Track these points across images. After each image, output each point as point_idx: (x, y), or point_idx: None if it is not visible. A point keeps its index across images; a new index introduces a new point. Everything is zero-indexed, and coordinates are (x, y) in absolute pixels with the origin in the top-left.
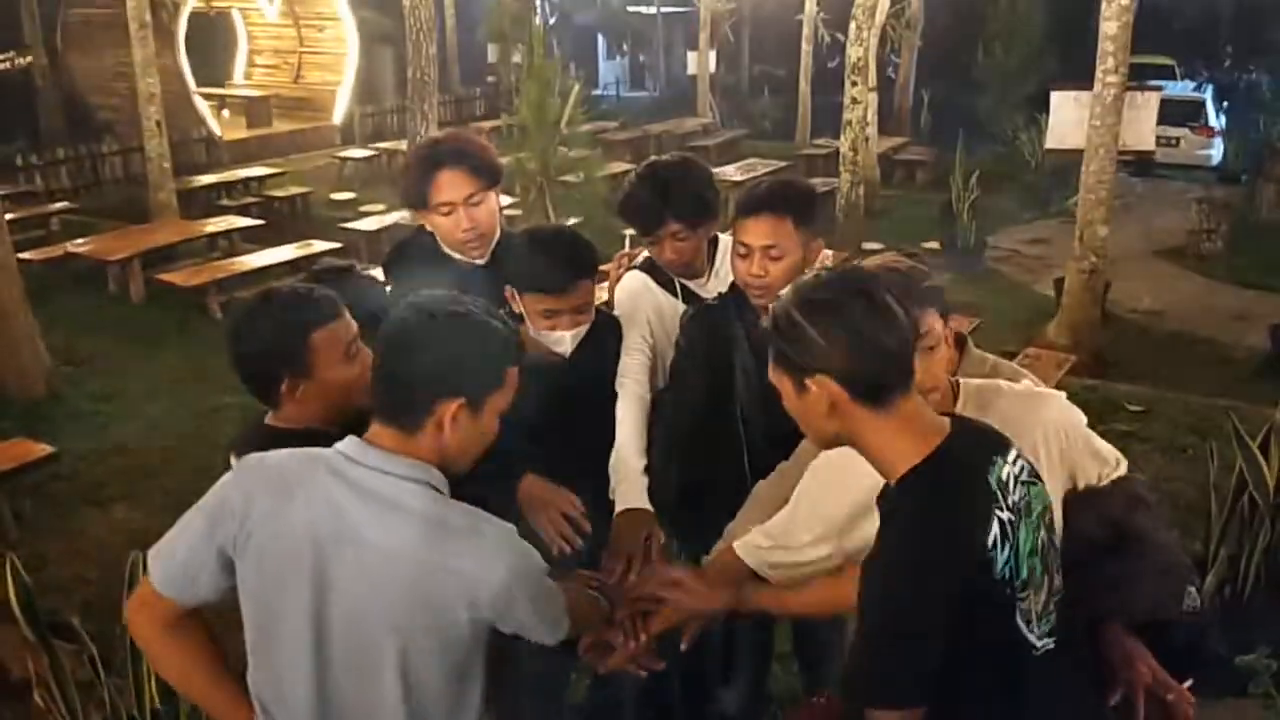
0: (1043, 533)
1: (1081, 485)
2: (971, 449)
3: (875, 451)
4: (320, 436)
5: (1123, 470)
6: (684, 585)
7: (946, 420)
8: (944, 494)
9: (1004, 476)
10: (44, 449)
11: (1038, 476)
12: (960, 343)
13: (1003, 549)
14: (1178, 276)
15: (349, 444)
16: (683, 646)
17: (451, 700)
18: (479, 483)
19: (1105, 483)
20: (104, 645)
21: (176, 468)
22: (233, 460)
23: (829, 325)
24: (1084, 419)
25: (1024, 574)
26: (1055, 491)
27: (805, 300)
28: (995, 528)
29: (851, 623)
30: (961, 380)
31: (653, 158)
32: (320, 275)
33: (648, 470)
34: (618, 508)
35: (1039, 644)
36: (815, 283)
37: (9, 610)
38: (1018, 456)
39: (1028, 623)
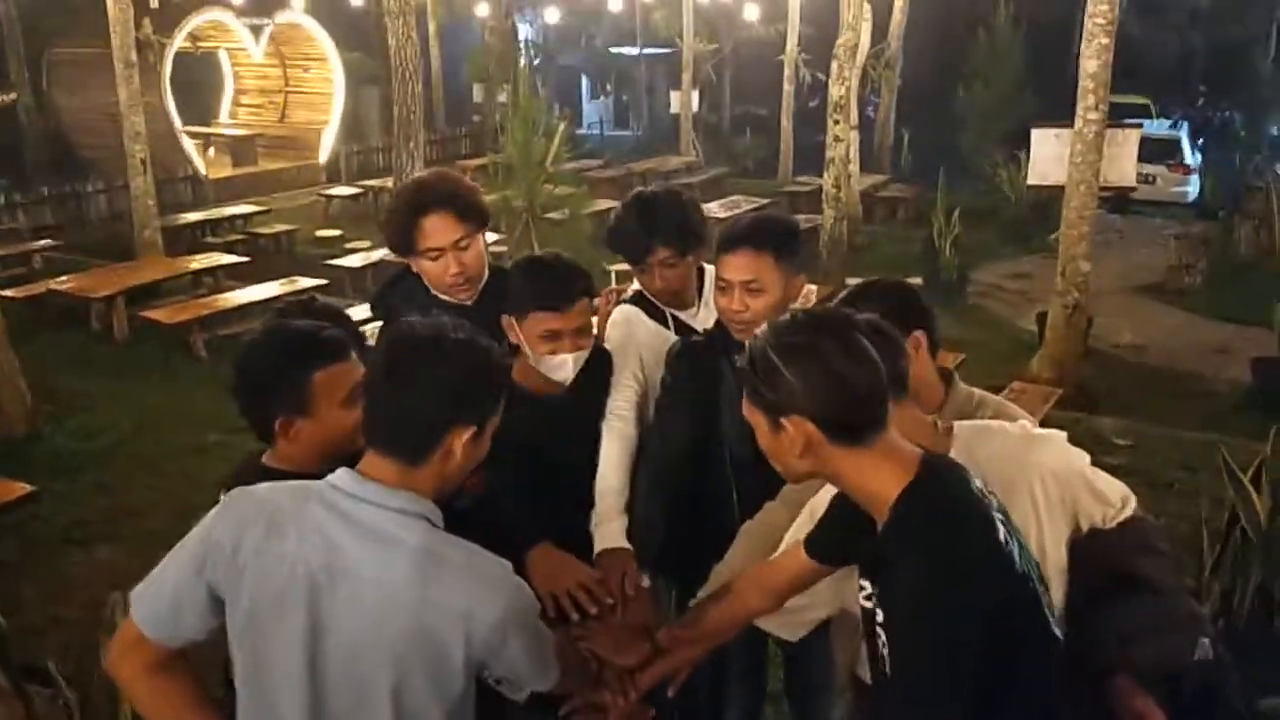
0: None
1: (1085, 528)
2: (948, 464)
3: (856, 487)
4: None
5: (1129, 511)
6: (675, 644)
7: (918, 449)
8: (949, 501)
9: (980, 486)
10: (23, 488)
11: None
12: (947, 378)
13: (1013, 543)
14: (1158, 311)
15: (342, 476)
16: (670, 693)
17: None
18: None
19: (1112, 525)
20: (82, 688)
21: (160, 508)
22: (222, 497)
23: (805, 368)
24: (1085, 458)
25: (1034, 569)
26: (1057, 536)
27: (781, 342)
28: (1001, 526)
29: (839, 653)
30: (955, 424)
31: (639, 188)
32: (317, 313)
33: (630, 508)
34: (597, 547)
35: (1060, 639)
36: (791, 324)
37: None
38: (973, 475)
39: (1053, 618)
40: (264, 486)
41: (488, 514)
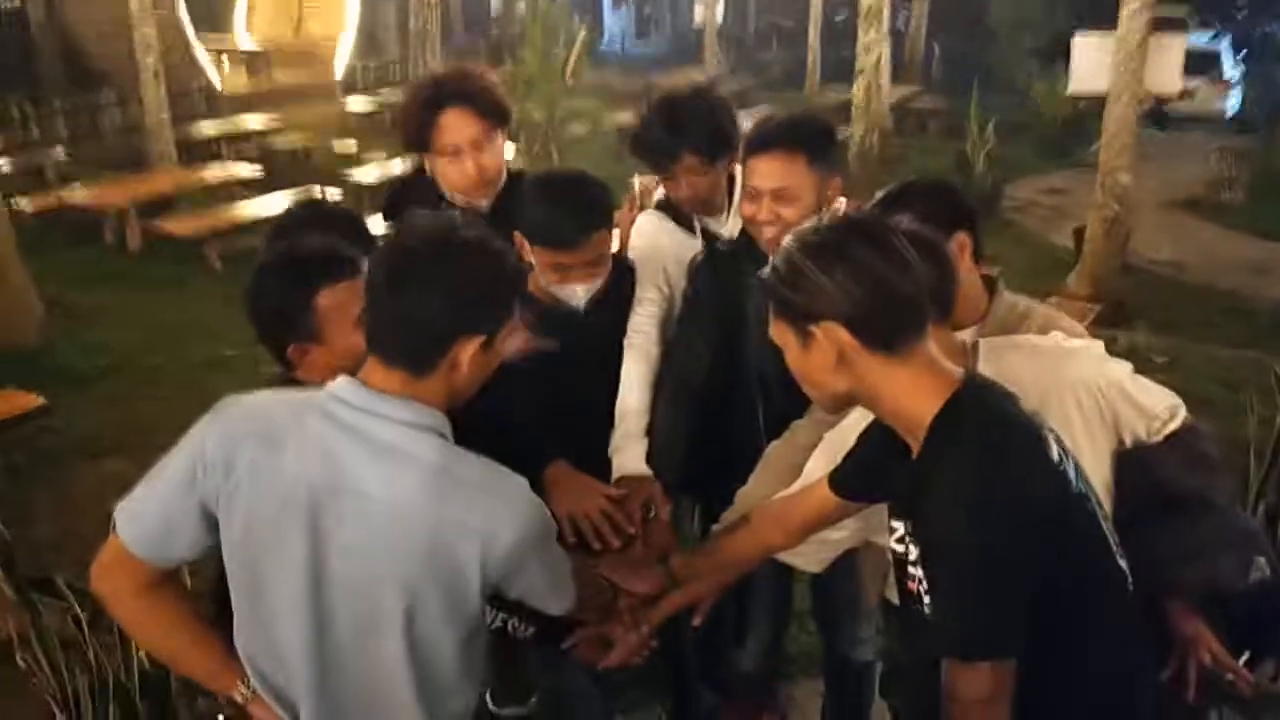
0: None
1: (1129, 442)
2: (993, 384)
3: (892, 405)
4: None
5: (1178, 423)
6: (690, 573)
7: (960, 367)
8: (995, 417)
9: (1026, 406)
10: (36, 401)
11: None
12: (990, 285)
13: (1069, 462)
14: (1197, 227)
15: (345, 386)
16: (696, 623)
17: (458, 666)
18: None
19: (1159, 437)
20: (93, 601)
21: (172, 422)
22: None
23: (835, 267)
24: (1125, 368)
25: (1091, 495)
26: (1100, 453)
27: (808, 244)
28: (1054, 443)
29: (871, 577)
30: (981, 340)
31: (665, 91)
32: (322, 214)
33: (651, 429)
34: (616, 472)
35: (1124, 567)
36: (819, 226)
37: None
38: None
39: (1114, 542)
40: (258, 395)
41: (503, 427)
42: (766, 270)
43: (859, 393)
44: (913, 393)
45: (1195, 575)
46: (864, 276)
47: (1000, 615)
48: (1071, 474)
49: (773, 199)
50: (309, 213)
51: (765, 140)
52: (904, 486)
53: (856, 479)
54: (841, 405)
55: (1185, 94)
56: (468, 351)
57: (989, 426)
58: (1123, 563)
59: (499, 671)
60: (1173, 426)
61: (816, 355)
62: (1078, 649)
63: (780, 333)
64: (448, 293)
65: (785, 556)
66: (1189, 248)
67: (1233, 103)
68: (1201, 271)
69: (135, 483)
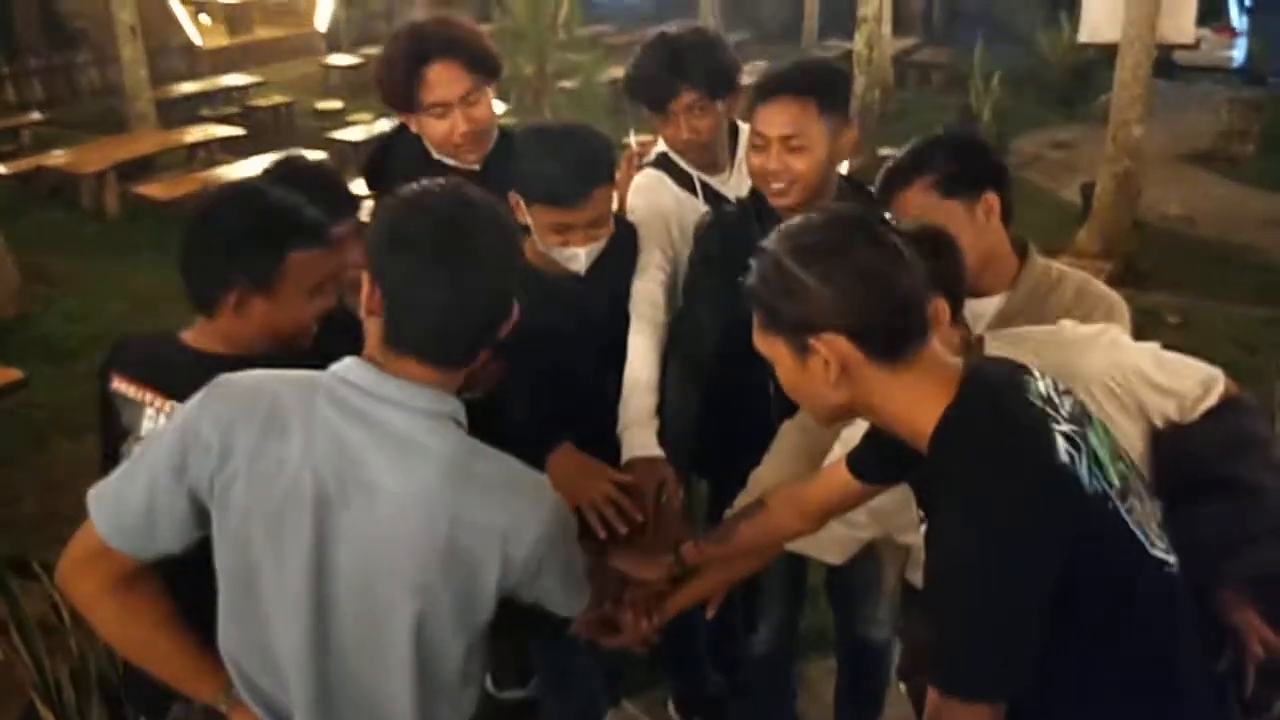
0: (1115, 438)
1: (1161, 424)
2: (999, 374)
3: (892, 416)
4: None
5: (1214, 398)
6: (707, 568)
7: (959, 359)
8: (994, 424)
9: (1043, 391)
10: (13, 374)
11: (1070, 390)
12: (1021, 249)
13: (1081, 461)
14: (1208, 181)
15: (356, 369)
16: (709, 615)
17: (460, 679)
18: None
19: (1194, 416)
20: None
21: None
22: (120, 386)
23: (834, 271)
24: (1143, 351)
25: (1117, 482)
26: (1129, 440)
27: (798, 246)
28: (1061, 442)
29: (886, 555)
30: (986, 335)
31: (661, 28)
32: (298, 169)
33: (661, 405)
34: (625, 454)
35: (1170, 559)
36: (805, 225)
37: None
38: (1043, 374)
39: (1146, 536)
40: (254, 374)
41: (501, 407)
42: (750, 277)
43: (858, 405)
44: (913, 403)
45: (1241, 564)
46: (866, 280)
47: (1005, 654)
48: (1084, 473)
49: (782, 147)
50: (288, 172)
51: (775, 85)
52: (917, 483)
53: (875, 461)
54: (838, 418)
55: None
56: (499, 335)
57: (988, 442)
58: (1160, 552)
59: (499, 653)
60: (1208, 403)
61: (815, 369)
62: (1108, 639)
63: (770, 346)
64: (489, 279)
65: (805, 548)
66: (1200, 202)
67: (1239, 52)
68: (1213, 227)
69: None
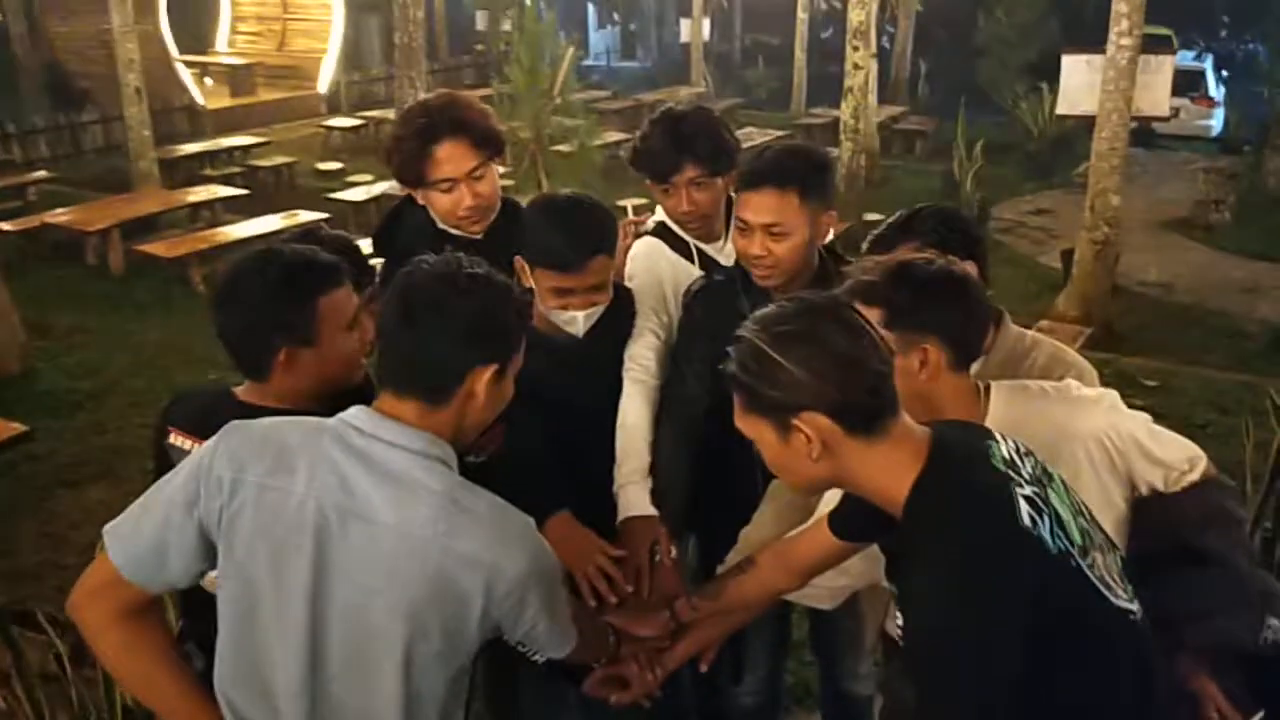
0: (1076, 495)
1: (1146, 492)
2: (962, 442)
3: (868, 486)
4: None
5: (1198, 474)
6: (700, 622)
7: (927, 429)
8: (959, 492)
9: (1006, 455)
10: (17, 428)
11: (1031, 451)
12: (996, 317)
13: (1043, 522)
14: (1185, 248)
15: (359, 415)
16: (702, 668)
17: (444, 709)
18: None
19: (1176, 488)
20: (77, 635)
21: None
22: (176, 440)
23: (811, 356)
24: (1139, 420)
25: (1078, 539)
26: (1113, 502)
27: (776, 335)
28: (1024, 505)
29: (870, 612)
30: (993, 385)
31: (666, 105)
32: (321, 240)
33: (654, 466)
34: (621, 514)
35: (1134, 608)
36: (779, 313)
37: None
38: (1004, 436)
39: (1109, 588)
40: (268, 420)
41: (501, 473)
42: (731, 364)
43: (837, 477)
44: (887, 472)
45: (1202, 633)
46: (841, 363)
47: (984, 714)
48: (1046, 533)
49: (765, 234)
50: (311, 235)
51: (759, 176)
52: (890, 549)
53: (854, 521)
54: (818, 489)
55: (1170, 113)
56: (483, 380)
57: (954, 509)
58: (1123, 602)
59: (491, 701)
60: (1192, 478)
61: (798, 445)
62: (1078, 690)
63: (752, 426)
64: (460, 325)
65: (794, 597)
66: (1177, 269)
67: (1217, 122)
68: (1191, 292)
69: (118, 511)
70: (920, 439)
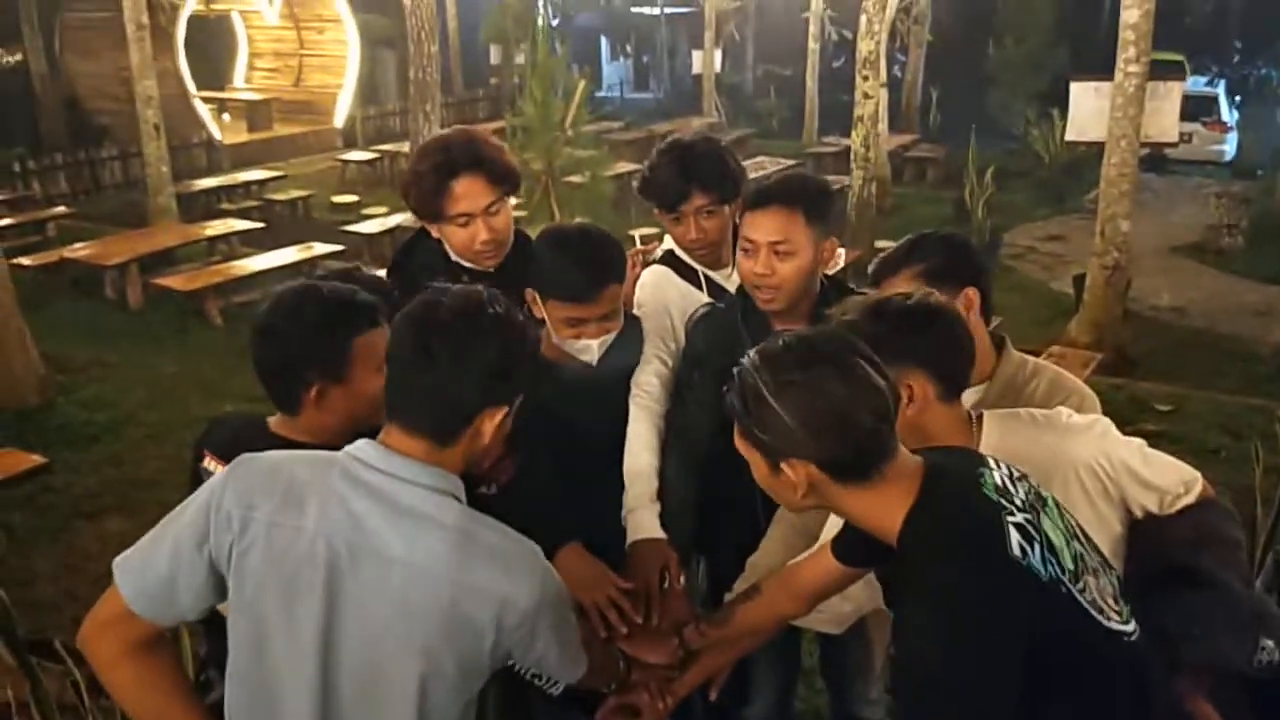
0: (1069, 518)
1: (1140, 515)
2: (954, 471)
3: (864, 521)
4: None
5: (1193, 496)
6: (709, 648)
7: (919, 457)
8: (951, 522)
9: (998, 482)
10: (35, 459)
11: (1025, 475)
12: (998, 343)
13: (1034, 550)
14: (1197, 272)
15: (366, 449)
16: (712, 696)
17: None
18: None
19: (1171, 511)
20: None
21: (174, 479)
22: (209, 464)
23: (804, 408)
24: (1132, 445)
25: (1071, 565)
26: (1107, 527)
27: (776, 381)
28: (1015, 534)
29: (879, 637)
30: (986, 414)
31: (674, 136)
32: (360, 281)
33: (662, 492)
34: (630, 537)
35: (1128, 629)
36: (785, 355)
37: None
38: (998, 462)
39: (1101, 612)
40: (276, 454)
41: (513, 503)
42: (731, 394)
43: (829, 509)
44: (879, 508)
45: (1195, 653)
46: (835, 418)
47: None
48: (1037, 560)
49: (770, 252)
50: (346, 276)
51: (764, 195)
52: (885, 578)
53: (856, 548)
54: (808, 510)
55: (1183, 138)
56: (492, 422)
57: (946, 540)
58: (1116, 624)
59: None
60: (1186, 500)
61: (786, 481)
62: (1063, 714)
63: (746, 450)
64: (480, 368)
65: (802, 622)
66: (1190, 293)
67: (1229, 147)
68: (1203, 317)
69: (134, 541)
70: (913, 471)
